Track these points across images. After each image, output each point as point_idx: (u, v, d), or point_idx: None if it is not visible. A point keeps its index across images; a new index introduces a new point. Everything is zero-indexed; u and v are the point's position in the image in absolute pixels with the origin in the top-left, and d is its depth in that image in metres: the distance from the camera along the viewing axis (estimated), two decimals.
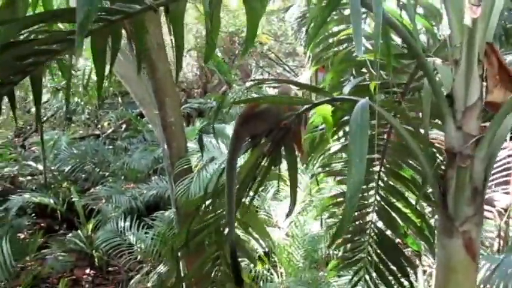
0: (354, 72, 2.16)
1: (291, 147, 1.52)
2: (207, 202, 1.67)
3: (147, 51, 3.53)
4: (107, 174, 6.53)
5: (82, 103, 8.02)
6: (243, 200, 1.72)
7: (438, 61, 1.45)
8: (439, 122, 1.70)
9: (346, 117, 1.72)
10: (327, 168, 2.34)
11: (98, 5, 0.76)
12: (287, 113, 1.50)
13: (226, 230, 1.70)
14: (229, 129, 2.41)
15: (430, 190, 1.81)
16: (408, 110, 1.70)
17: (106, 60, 1.47)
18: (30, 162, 7.10)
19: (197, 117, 8.92)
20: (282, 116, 1.49)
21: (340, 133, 2.08)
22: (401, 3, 1.70)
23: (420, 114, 1.75)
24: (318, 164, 2.44)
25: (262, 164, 1.57)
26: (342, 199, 2.25)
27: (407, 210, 2.05)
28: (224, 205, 1.63)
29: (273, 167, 1.59)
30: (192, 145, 4.13)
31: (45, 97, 8.37)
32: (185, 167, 3.64)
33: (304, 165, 2.39)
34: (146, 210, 5.52)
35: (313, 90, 1.50)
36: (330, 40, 2.11)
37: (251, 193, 1.69)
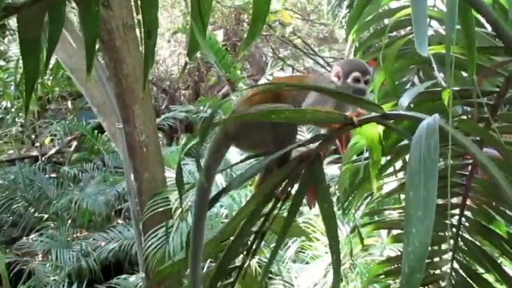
0: (419, 71, 2.15)
1: (322, 188, 1.48)
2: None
3: (110, 36, 3.57)
4: (46, 216, 6.56)
5: (13, 109, 8.11)
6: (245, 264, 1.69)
7: None
8: None
9: (405, 141, 1.69)
10: (376, 218, 2.32)
11: None
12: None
13: None
14: (234, 152, 2.43)
15: None
16: (501, 132, 1.66)
17: (41, 50, 1.47)
18: None
19: (184, 133, 8.96)
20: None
21: (398, 164, 2.06)
22: None
23: None
24: (362, 210, 2.42)
25: (274, 212, 1.54)
26: (399, 266, 2.21)
27: (502, 287, 2.01)
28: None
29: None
30: (174, 175, 4.13)
31: None
32: (161, 209, 3.63)
33: (341, 212, 2.37)
34: (103, 273, 5.52)
35: (354, 102, 1.47)
36: (386, 21, 2.11)
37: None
